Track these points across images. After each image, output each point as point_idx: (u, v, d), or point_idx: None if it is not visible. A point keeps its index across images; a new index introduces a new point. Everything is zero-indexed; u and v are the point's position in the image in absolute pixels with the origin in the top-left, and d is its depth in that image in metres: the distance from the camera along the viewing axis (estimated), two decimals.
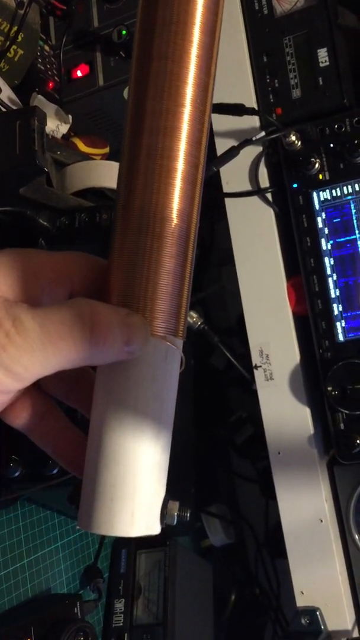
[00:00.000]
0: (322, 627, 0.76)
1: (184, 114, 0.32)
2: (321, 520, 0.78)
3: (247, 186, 0.83)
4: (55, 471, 0.58)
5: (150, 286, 0.31)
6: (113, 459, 0.30)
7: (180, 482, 0.88)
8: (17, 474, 0.59)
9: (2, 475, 0.60)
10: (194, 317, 0.86)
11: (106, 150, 0.89)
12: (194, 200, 0.34)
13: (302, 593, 0.78)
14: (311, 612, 0.76)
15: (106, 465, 0.30)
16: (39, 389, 0.34)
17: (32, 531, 0.74)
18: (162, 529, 0.32)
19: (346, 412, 0.75)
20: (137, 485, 0.30)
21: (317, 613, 0.76)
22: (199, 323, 0.86)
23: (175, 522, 0.31)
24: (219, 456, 1.17)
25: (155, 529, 0.31)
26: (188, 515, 0.32)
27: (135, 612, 0.82)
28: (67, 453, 0.33)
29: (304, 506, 0.79)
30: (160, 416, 0.31)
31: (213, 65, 0.33)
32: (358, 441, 0.75)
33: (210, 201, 1.00)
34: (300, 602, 0.78)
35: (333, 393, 0.75)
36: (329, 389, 0.75)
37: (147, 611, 0.81)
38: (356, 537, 0.79)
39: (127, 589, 0.82)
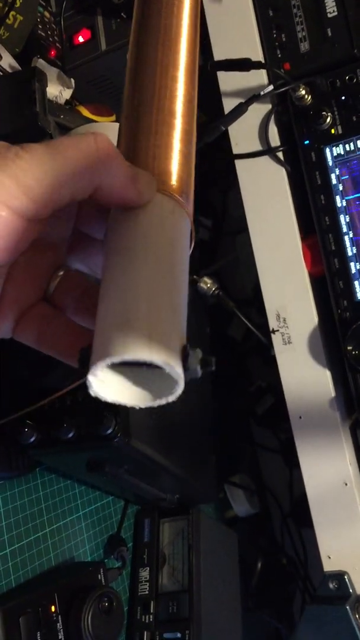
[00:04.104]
0: (351, 590, 0.75)
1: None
2: (346, 484, 0.76)
3: (257, 146, 0.81)
4: (71, 435, 0.58)
5: (158, 146, 0.33)
6: (125, 289, 0.28)
7: (200, 450, 0.87)
8: (32, 440, 0.59)
9: (17, 442, 0.60)
10: (208, 283, 0.84)
11: (112, 118, 0.87)
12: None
13: (329, 557, 0.77)
14: (339, 577, 0.75)
15: (118, 297, 0.28)
16: (48, 305, 0.34)
17: (52, 500, 0.73)
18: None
19: None
20: (152, 312, 0.28)
21: (345, 577, 0.75)
22: (214, 289, 0.84)
23: (199, 373, 0.28)
24: (240, 427, 1.16)
25: (175, 364, 0.27)
26: (213, 362, 0.28)
27: (161, 580, 0.81)
28: (71, 347, 0.32)
29: (327, 470, 0.77)
30: (172, 257, 0.30)
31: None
32: None
33: (221, 170, 0.99)
34: (328, 566, 0.77)
35: (353, 353, 0.73)
36: (349, 348, 0.73)
37: (172, 579, 0.81)
38: None
39: (151, 558, 0.82)
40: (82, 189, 0.29)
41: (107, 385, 0.28)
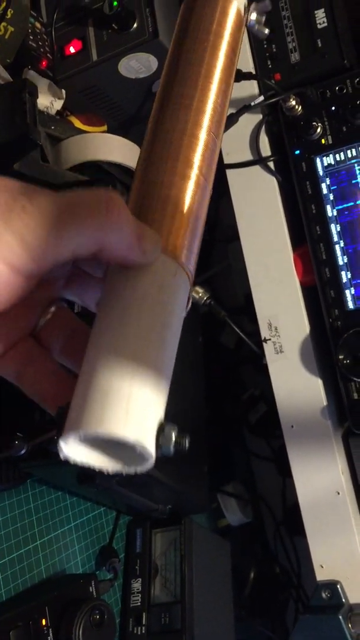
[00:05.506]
0: (343, 600, 0.74)
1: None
2: (338, 493, 0.76)
3: (248, 156, 0.81)
4: None
5: (168, 209, 0.33)
6: (111, 354, 0.28)
7: (193, 460, 0.87)
8: (22, 452, 0.59)
9: (8, 455, 0.59)
10: (200, 292, 0.84)
11: (103, 128, 0.88)
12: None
13: (322, 567, 0.77)
14: (332, 586, 0.75)
15: (102, 361, 0.28)
16: (34, 341, 0.34)
17: (44, 512, 0.73)
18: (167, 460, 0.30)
19: (359, 380, 0.73)
20: (134, 388, 0.27)
21: (338, 586, 0.75)
22: (205, 298, 0.84)
23: (171, 452, 0.28)
24: (233, 435, 1.16)
25: (148, 445, 0.27)
26: (187, 442, 0.29)
27: (153, 592, 0.81)
28: (53, 395, 0.32)
29: (320, 479, 0.77)
30: (164, 326, 0.30)
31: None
32: None
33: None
34: (320, 576, 0.77)
35: (345, 362, 0.73)
36: (341, 357, 0.73)
37: (164, 590, 0.81)
38: None
39: (143, 569, 0.82)
40: (85, 249, 0.29)
41: (78, 450, 0.28)
